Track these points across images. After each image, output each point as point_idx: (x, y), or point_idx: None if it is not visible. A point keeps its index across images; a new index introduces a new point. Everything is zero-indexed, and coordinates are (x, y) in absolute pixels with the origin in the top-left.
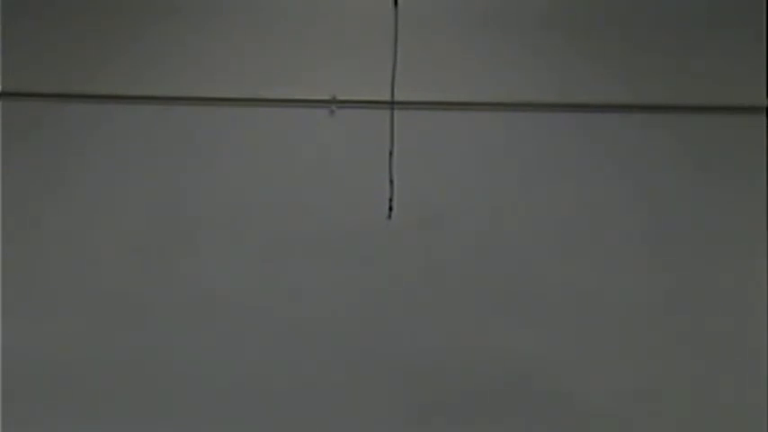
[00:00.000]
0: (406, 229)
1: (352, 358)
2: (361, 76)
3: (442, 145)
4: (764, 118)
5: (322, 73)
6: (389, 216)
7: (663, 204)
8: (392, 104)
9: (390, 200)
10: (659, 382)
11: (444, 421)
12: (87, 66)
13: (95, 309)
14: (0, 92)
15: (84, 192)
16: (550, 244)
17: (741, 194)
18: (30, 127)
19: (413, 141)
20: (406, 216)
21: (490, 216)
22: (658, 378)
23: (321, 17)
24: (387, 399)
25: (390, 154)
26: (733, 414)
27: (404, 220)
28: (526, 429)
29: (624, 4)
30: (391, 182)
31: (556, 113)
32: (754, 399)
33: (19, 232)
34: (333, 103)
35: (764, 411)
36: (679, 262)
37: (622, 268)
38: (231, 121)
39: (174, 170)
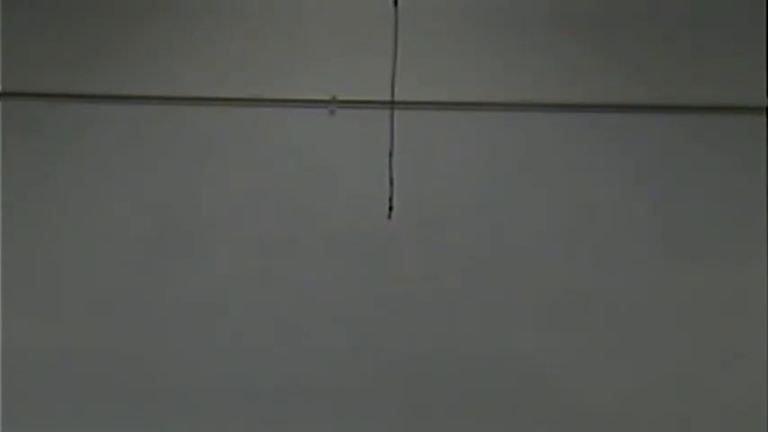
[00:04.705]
0: (406, 229)
1: (352, 357)
2: (361, 76)
3: (442, 145)
4: (764, 118)
5: (322, 73)
6: (389, 216)
7: (663, 204)
8: (392, 104)
9: (390, 200)
10: (659, 381)
11: (445, 420)
12: (87, 66)
13: (95, 308)
14: (0, 92)
15: (84, 191)
16: (551, 243)
17: (741, 194)
18: (30, 127)
19: (413, 141)
20: (406, 216)
21: (490, 216)
22: (658, 378)
23: (321, 17)
24: (387, 398)
25: (390, 154)
26: (733, 414)
27: (404, 220)
28: (527, 429)
29: (623, 4)
30: (391, 182)
31: (556, 113)
32: (754, 399)
33: (19, 232)
34: (333, 103)
35: (764, 411)
36: (678, 261)
37: (622, 268)
38: (231, 121)
39: (173, 170)
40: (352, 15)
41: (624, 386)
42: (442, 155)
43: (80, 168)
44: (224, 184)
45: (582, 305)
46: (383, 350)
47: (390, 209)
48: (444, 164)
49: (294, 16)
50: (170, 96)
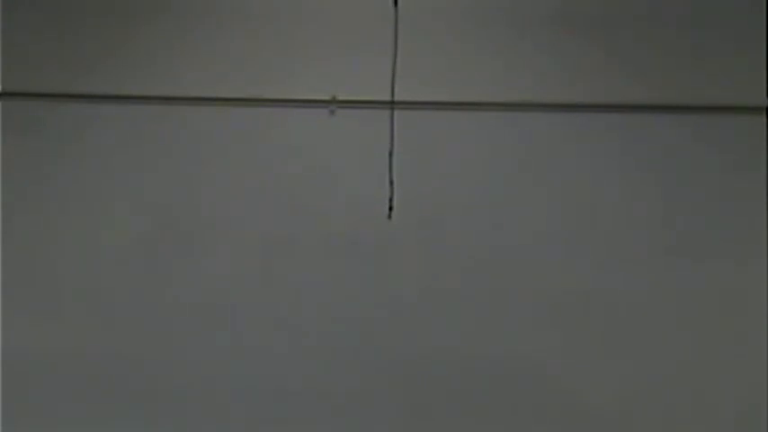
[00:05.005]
0: (406, 229)
1: (352, 358)
2: (361, 76)
3: (442, 145)
4: (764, 118)
5: (322, 73)
6: (389, 216)
7: (663, 204)
8: (392, 104)
9: (390, 200)
10: (659, 381)
11: (445, 420)
12: (87, 65)
13: (95, 308)
14: (0, 92)
15: (84, 191)
16: (551, 243)
17: (741, 194)
18: (30, 127)
19: (413, 141)
20: (406, 216)
21: (490, 216)
22: (658, 378)
23: (321, 17)
24: (387, 398)
25: (390, 154)
26: (733, 414)
27: (404, 220)
28: (526, 429)
29: (623, 4)
30: (391, 182)
31: (556, 113)
32: (754, 399)
33: (19, 232)
34: (333, 103)
35: (764, 411)
36: (678, 261)
37: (622, 268)
38: (231, 120)
39: (173, 170)
40: (352, 15)
41: (624, 386)
42: (442, 155)
43: (80, 168)
44: (224, 184)
45: (582, 305)
46: (383, 350)
47: (390, 209)
48: (444, 164)
49: (294, 16)
50: (170, 96)
